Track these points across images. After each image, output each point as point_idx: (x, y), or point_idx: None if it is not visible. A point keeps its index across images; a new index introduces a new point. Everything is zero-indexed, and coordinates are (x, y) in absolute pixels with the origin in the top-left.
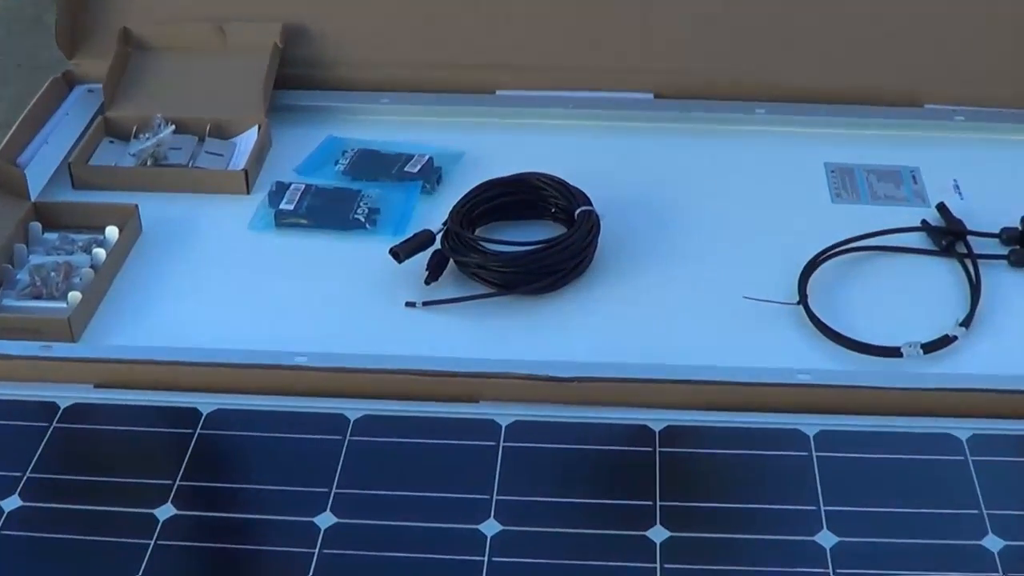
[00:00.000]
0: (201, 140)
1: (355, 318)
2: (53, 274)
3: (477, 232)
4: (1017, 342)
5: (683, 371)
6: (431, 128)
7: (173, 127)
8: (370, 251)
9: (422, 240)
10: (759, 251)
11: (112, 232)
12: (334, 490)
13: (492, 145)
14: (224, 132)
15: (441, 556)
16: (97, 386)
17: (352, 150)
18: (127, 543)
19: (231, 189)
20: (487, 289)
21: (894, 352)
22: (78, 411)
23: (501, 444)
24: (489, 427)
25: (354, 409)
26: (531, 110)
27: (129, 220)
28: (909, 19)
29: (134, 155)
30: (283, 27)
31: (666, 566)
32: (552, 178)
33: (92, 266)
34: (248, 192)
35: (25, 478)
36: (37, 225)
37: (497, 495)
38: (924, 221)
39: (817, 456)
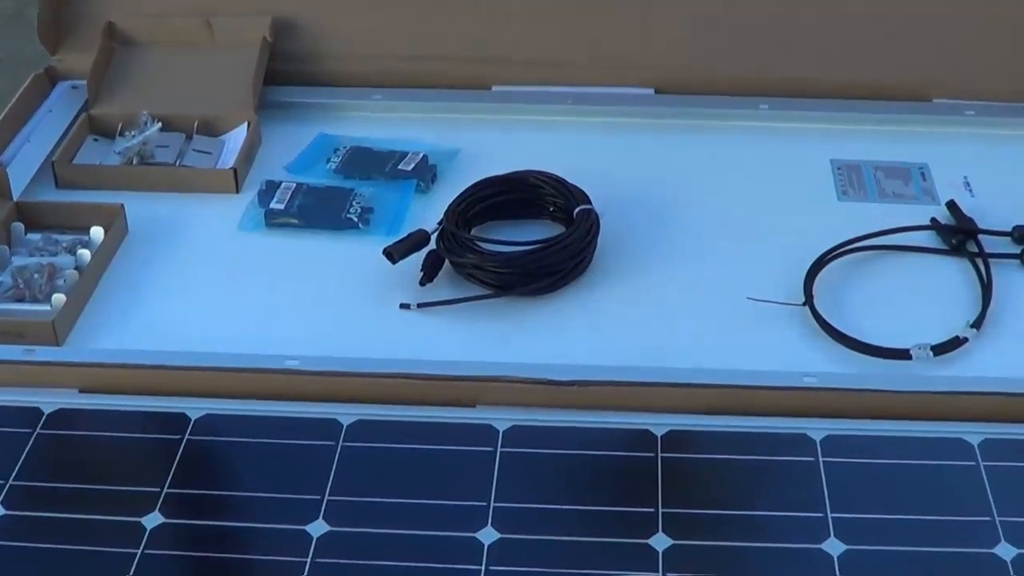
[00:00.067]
0: (189, 138)
1: (348, 320)
2: (36, 276)
3: (473, 232)
4: None
5: (686, 374)
6: (425, 125)
7: (160, 124)
8: (363, 251)
9: (417, 240)
10: (763, 250)
11: (97, 233)
12: (327, 497)
13: (488, 142)
14: (212, 129)
15: (437, 565)
16: (82, 391)
17: (344, 148)
18: (113, 552)
19: (220, 188)
20: (484, 290)
21: (903, 354)
22: (62, 417)
23: (499, 450)
24: (486, 432)
25: (347, 414)
26: (528, 106)
27: (115, 220)
28: (909, 19)
29: (119, 153)
30: (273, 21)
31: (669, 575)
32: (550, 176)
33: (76, 268)
34: (237, 191)
35: (8, 486)
36: (20, 226)
37: (494, 502)
38: (934, 219)
39: (824, 461)
